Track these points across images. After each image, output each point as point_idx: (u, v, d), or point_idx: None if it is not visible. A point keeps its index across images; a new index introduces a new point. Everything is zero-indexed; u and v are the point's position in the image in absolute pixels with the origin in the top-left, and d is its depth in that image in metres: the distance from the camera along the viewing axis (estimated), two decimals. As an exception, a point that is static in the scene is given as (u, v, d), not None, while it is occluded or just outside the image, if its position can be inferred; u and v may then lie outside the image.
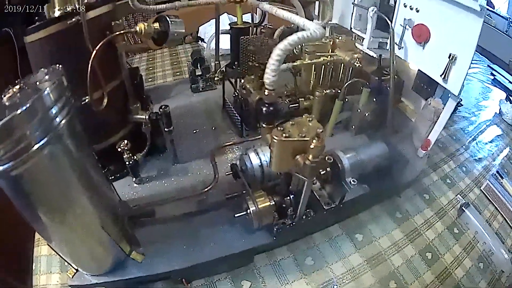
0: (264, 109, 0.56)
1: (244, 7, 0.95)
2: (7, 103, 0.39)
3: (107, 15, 0.71)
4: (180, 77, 1.44)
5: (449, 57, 0.78)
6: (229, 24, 1.00)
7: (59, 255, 0.57)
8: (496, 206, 1.01)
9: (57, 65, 0.48)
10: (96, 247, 0.59)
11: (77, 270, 0.62)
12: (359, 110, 0.96)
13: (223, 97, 1.06)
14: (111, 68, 0.75)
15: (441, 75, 0.81)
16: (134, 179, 0.81)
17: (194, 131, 0.97)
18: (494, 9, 3.69)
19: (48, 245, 0.58)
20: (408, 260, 0.80)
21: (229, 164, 0.78)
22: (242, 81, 0.89)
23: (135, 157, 0.75)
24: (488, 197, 1.04)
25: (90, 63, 0.63)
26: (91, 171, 0.54)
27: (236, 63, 0.97)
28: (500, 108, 1.52)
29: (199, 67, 1.13)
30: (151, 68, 1.56)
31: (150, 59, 1.64)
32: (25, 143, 0.39)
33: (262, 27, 1.05)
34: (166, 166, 0.86)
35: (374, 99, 0.95)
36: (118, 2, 0.76)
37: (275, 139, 0.52)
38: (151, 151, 0.84)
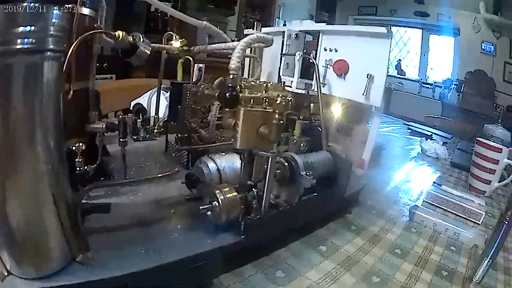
0: (227, 94, 0.66)
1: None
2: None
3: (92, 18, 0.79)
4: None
5: (367, 77, 0.99)
6: (171, 82, 1.15)
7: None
8: (444, 208, 1.23)
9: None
10: (40, 226, 0.54)
11: (8, 272, 0.54)
12: (295, 141, 1.09)
13: (166, 140, 1.13)
14: (83, 67, 0.78)
15: (362, 94, 1.01)
16: (79, 192, 0.78)
17: (140, 166, 0.99)
18: (405, 75, 4.60)
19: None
20: (380, 257, 0.89)
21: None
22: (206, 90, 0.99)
23: (86, 167, 0.74)
24: (433, 203, 1.26)
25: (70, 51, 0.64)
26: (56, 130, 0.54)
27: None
28: (421, 147, 1.98)
29: (140, 117, 1.20)
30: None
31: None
32: (12, 36, 0.45)
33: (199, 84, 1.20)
34: (114, 188, 0.86)
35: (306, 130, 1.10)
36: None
37: (241, 109, 0.62)
38: (99, 175, 0.83)
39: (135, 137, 1.21)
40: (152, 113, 1.28)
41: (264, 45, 0.83)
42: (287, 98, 0.67)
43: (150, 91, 1.35)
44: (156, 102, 1.24)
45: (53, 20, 0.50)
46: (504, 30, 4.01)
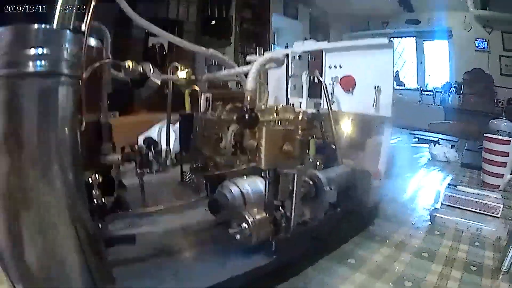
0: (247, 115, 0.70)
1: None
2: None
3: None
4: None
5: (375, 88, 1.03)
6: (180, 113, 1.18)
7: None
8: (462, 207, 1.25)
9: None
10: (63, 262, 0.53)
11: None
12: (311, 160, 1.12)
13: (181, 170, 1.15)
14: (93, 98, 0.80)
15: (372, 105, 1.04)
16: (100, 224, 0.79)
17: (158, 197, 1.01)
18: (404, 86, 4.68)
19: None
20: (409, 262, 0.90)
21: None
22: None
23: (103, 200, 0.75)
24: (452, 204, 1.28)
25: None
26: (74, 160, 0.53)
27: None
28: (430, 153, 2.05)
29: (152, 150, 1.23)
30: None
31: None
32: (24, 58, 0.45)
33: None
34: (132, 219, 0.87)
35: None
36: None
37: (263, 129, 0.65)
38: (116, 208, 0.84)
39: (148, 171, 1.23)
40: (163, 146, 1.30)
41: (276, 66, 0.87)
42: (305, 116, 0.71)
43: (159, 124, 1.39)
44: (166, 134, 1.27)
45: (67, 45, 0.50)
46: (494, 24, 4.14)
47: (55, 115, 0.50)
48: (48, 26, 0.49)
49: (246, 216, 0.71)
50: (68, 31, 0.51)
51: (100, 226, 0.68)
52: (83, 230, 0.55)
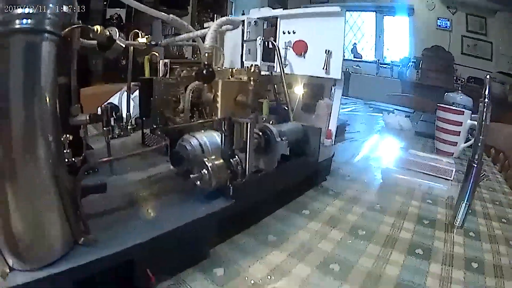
0: (204, 70, 0.79)
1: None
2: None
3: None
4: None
5: (326, 52, 1.15)
6: (138, 78, 1.25)
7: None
8: (415, 169, 1.37)
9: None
10: (44, 215, 0.58)
11: (10, 268, 0.56)
12: (264, 119, 1.23)
13: (142, 133, 1.23)
14: (62, 62, 0.78)
15: (323, 68, 1.17)
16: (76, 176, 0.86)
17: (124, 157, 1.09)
18: (361, 58, 4.87)
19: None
20: (362, 214, 1.03)
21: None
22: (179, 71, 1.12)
23: (73, 159, 0.83)
24: (404, 166, 1.41)
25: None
26: (53, 113, 0.60)
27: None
28: (384, 121, 2.22)
29: (114, 115, 1.29)
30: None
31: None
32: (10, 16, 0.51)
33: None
34: (102, 178, 0.92)
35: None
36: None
37: (219, 81, 0.75)
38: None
39: (110, 135, 1.30)
40: (124, 111, 1.37)
41: (232, 27, 0.97)
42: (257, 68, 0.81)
43: (119, 92, 1.45)
44: (126, 100, 1.34)
45: (50, 5, 0.57)
46: (459, 6, 4.34)
47: (39, 69, 0.56)
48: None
49: (206, 162, 0.81)
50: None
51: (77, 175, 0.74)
52: (63, 184, 0.62)
